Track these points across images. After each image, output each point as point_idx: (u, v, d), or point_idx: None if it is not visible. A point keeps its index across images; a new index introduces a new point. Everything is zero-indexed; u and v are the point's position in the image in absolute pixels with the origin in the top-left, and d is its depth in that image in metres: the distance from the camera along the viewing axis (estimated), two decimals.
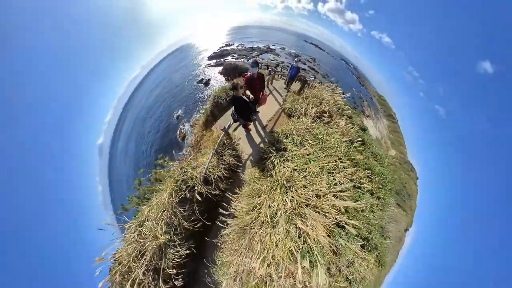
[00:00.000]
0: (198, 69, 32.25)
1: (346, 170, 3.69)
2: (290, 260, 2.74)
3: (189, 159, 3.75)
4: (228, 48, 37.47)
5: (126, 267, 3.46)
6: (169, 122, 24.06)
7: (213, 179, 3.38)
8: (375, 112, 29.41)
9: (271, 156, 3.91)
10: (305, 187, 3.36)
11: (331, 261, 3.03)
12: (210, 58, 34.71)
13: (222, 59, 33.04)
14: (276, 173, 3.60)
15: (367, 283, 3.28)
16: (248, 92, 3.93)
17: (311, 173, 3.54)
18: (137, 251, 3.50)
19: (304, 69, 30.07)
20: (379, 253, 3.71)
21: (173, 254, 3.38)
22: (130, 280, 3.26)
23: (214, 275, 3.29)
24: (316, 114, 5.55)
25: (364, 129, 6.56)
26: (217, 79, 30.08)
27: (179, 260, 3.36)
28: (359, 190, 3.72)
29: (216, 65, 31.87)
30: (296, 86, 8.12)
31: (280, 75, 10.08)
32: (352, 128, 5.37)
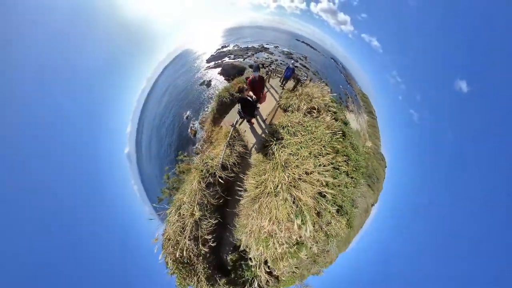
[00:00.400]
0: (198, 72, 33.50)
1: (328, 155, 4.66)
2: (288, 220, 3.78)
3: (207, 152, 4.83)
4: (224, 49, 38.12)
5: (174, 240, 4.66)
6: (180, 123, 26.24)
7: (228, 165, 4.46)
8: (357, 108, 31.22)
9: (271, 144, 4.91)
10: (298, 167, 4.36)
11: (315, 221, 4.04)
12: (208, 60, 35.60)
13: (219, 61, 33.86)
14: (276, 157, 4.62)
15: (339, 238, 4.31)
16: (251, 93, 4.84)
17: (302, 157, 4.53)
18: (180, 228, 4.68)
19: (296, 67, 31.36)
20: (349, 218, 4.68)
21: (205, 224, 4.54)
22: (179, 249, 4.46)
23: (235, 235, 4.40)
24: (307, 110, 6.43)
25: (346, 123, 7.43)
26: (218, 79, 31.31)
27: (210, 228, 4.52)
28: (337, 170, 4.71)
29: (215, 66, 32.77)
30: (290, 83, 8.94)
31: (275, 73, 10.91)
32: (336, 122, 6.20)
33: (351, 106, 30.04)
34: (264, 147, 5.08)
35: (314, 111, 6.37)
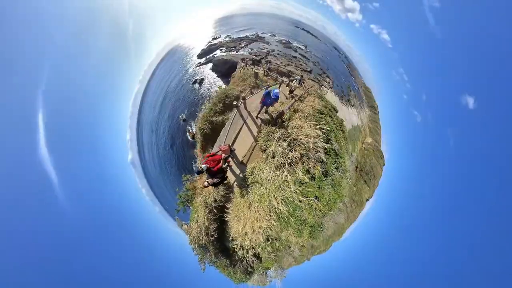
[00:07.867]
0: (189, 71, 34.25)
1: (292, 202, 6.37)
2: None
3: (205, 194, 8.96)
4: (215, 41, 37.34)
5: (196, 236, 9.14)
6: (178, 126, 28.65)
7: (218, 200, 8.61)
8: (360, 102, 30.59)
9: (242, 188, 8.70)
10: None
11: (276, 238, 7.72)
12: (199, 56, 35.82)
13: (211, 55, 34.18)
14: (244, 199, 8.22)
15: (300, 246, 7.74)
16: (214, 179, 6.16)
17: (261, 205, 6.74)
18: (199, 229, 9.10)
19: (295, 57, 30.73)
20: (311, 235, 7.67)
21: (212, 227, 8.92)
22: (200, 240, 8.97)
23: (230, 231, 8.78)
24: (287, 161, 6.50)
25: (338, 154, 7.68)
26: (210, 77, 32.29)
27: (214, 228, 8.91)
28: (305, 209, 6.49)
29: (206, 62, 33.56)
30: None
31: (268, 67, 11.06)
32: (320, 165, 6.50)
33: (353, 100, 29.41)
34: (240, 186, 8.80)
35: (292, 163, 6.42)
